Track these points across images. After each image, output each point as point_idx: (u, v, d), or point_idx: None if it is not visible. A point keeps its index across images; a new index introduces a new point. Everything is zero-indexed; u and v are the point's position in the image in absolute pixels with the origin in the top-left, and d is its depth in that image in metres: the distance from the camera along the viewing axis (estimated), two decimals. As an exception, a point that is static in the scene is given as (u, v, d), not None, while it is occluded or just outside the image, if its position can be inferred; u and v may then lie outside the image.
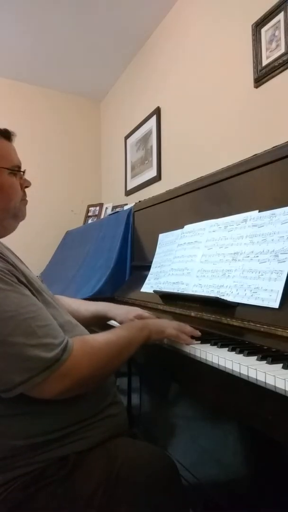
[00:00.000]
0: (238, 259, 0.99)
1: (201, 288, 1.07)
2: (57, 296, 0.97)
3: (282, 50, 1.43)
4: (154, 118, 2.41)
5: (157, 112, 2.37)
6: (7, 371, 0.63)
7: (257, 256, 0.92)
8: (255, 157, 1.05)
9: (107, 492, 0.68)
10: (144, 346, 0.81)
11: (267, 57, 1.50)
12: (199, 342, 0.82)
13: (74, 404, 0.74)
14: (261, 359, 0.65)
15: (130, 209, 1.85)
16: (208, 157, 1.84)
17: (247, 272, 0.93)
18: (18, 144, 0.89)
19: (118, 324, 1.03)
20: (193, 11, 2.04)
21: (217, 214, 1.16)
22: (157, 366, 1.21)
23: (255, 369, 0.60)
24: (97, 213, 2.93)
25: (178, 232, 1.35)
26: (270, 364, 0.62)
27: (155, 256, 1.46)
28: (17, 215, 0.87)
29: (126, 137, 2.83)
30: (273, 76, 1.48)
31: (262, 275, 0.88)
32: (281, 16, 1.43)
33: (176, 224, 1.38)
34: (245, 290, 0.91)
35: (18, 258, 0.83)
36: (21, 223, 0.90)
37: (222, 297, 0.95)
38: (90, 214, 3.00)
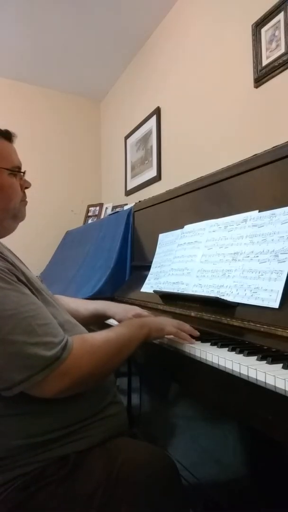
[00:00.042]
0: (238, 259, 0.99)
1: (201, 288, 1.07)
2: (56, 296, 0.97)
3: (282, 50, 1.43)
4: (154, 118, 2.41)
5: (157, 112, 2.37)
6: (7, 369, 0.64)
7: (257, 256, 0.92)
8: (255, 157, 1.05)
9: (107, 492, 0.68)
10: (144, 346, 0.81)
11: (267, 57, 1.50)
12: (199, 342, 0.82)
13: (74, 403, 0.74)
14: (261, 359, 0.65)
15: (130, 209, 1.85)
16: (208, 157, 1.84)
17: (247, 272, 0.93)
18: (18, 144, 0.89)
19: (117, 322, 1.03)
20: (193, 11, 2.04)
21: (217, 214, 1.16)
22: (157, 366, 1.21)
23: (255, 369, 0.60)
24: (97, 213, 2.93)
25: (178, 232, 1.35)
26: (270, 364, 0.62)
27: (155, 256, 1.46)
28: (17, 215, 0.87)
29: (126, 137, 2.83)
30: (273, 76, 1.48)
31: (262, 275, 0.88)
32: (281, 16, 1.43)
33: (176, 224, 1.38)
34: (245, 290, 0.91)
35: (17, 258, 0.83)
36: (21, 223, 0.90)
37: (222, 297, 0.95)
38: (90, 214, 3.00)
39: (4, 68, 2.87)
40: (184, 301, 1.13)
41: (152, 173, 2.42)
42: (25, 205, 0.90)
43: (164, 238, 1.45)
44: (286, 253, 0.84)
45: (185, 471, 1.17)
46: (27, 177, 0.89)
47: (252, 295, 0.88)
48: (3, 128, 0.85)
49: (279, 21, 1.44)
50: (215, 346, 0.77)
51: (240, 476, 1.03)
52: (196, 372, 0.77)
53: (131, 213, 1.83)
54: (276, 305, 0.80)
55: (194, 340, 0.82)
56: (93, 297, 1.61)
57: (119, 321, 1.01)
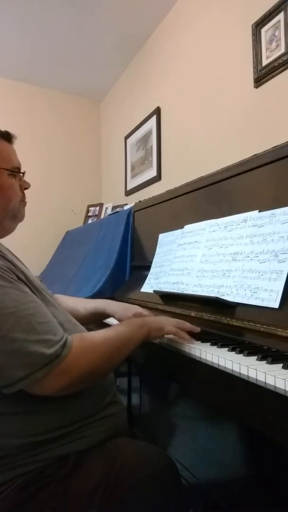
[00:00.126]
0: (238, 259, 0.99)
1: (201, 288, 1.07)
2: (55, 295, 0.97)
3: (282, 50, 1.43)
4: (154, 118, 2.41)
5: (157, 112, 2.37)
6: (8, 366, 0.64)
7: (257, 256, 0.92)
8: (255, 157, 1.05)
9: (107, 491, 0.68)
10: (144, 345, 0.81)
11: (267, 57, 1.50)
12: (199, 341, 0.82)
13: (73, 403, 0.74)
14: (261, 359, 0.65)
15: (130, 209, 1.85)
16: (208, 157, 1.84)
17: (247, 272, 0.93)
18: (18, 144, 0.89)
19: (116, 321, 1.03)
20: (193, 11, 2.04)
21: (217, 214, 1.16)
22: (157, 366, 1.21)
23: (255, 369, 0.60)
24: (97, 213, 2.93)
25: (178, 232, 1.35)
26: (270, 364, 0.62)
27: (155, 256, 1.46)
28: (16, 216, 0.87)
29: (126, 137, 2.83)
30: (273, 76, 1.48)
31: (262, 275, 0.88)
32: (281, 16, 1.43)
33: (176, 224, 1.38)
34: (245, 290, 0.91)
35: (17, 258, 0.83)
36: (21, 223, 0.90)
37: (222, 297, 0.95)
38: (90, 214, 3.00)
39: (4, 68, 2.87)
40: (184, 301, 1.13)
41: (152, 173, 2.42)
42: (25, 206, 0.90)
43: (164, 238, 1.45)
44: (286, 253, 0.84)
45: (185, 471, 1.17)
46: (26, 177, 0.90)
47: (252, 295, 0.88)
48: (3, 129, 0.86)
49: (279, 21, 1.44)
50: (215, 346, 0.77)
51: (240, 476, 1.03)
52: (196, 372, 0.77)
53: (131, 213, 1.83)
54: (276, 305, 0.80)
55: (194, 340, 0.82)
56: (93, 297, 1.61)
57: (118, 320, 1.01)
